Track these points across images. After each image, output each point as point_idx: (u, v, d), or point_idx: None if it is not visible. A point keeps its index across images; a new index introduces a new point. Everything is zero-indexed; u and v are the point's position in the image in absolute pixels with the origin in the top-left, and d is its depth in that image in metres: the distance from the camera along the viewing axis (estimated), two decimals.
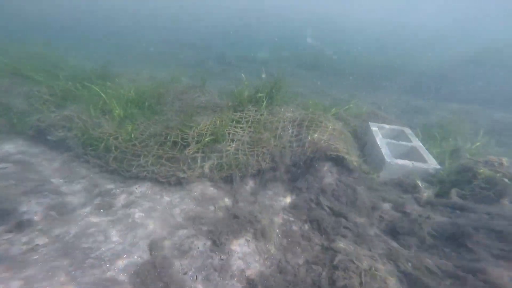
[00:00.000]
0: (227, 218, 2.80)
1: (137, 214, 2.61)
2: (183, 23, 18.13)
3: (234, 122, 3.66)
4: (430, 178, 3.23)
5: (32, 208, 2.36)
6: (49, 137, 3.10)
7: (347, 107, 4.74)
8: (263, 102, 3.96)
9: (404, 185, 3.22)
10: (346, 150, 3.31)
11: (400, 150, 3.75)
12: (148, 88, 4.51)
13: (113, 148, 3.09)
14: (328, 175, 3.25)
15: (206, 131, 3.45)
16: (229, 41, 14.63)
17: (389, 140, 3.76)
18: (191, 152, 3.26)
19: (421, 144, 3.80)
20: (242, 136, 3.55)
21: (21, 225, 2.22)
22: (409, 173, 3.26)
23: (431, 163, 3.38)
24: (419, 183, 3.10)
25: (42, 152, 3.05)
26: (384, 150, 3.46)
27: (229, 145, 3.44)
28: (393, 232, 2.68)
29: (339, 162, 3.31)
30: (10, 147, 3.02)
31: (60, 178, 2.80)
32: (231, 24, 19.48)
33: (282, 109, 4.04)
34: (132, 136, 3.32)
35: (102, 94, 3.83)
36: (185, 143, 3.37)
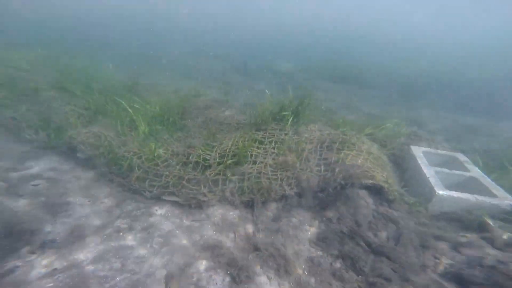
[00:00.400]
0: (248, 250, 2.61)
1: (156, 239, 2.53)
2: (204, 33, 18.82)
3: (257, 142, 3.52)
4: (504, 216, 2.75)
5: (56, 229, 2.39)
6: (78, 155, 3.21)
7: (383, 126, 4.35)
8: (288, 120, 3.78)
9: (465, 223, 2.77)
10: (384, 178, 2.98)
11: (453, 180, 3.28)
12: (172, 102, 4.58)
13: (136, 167, 3.10)
14: (363, 205, 2.93)
15: (228, 151, 3.35)
16: (251, 51, 14.82)
17: (439, 169, 3.32)
18: (212, 174, 3.17)
19: (482, 174, 3.31)
20: (265, 158, 3.38)
21: (44, 246, 2.25)
22: (469, 208, 2.81)
23: (504, 198, 2.89)
24: (489, 221, 2.64)
25: (72, 169, 3.15)
26: (434, 180, 3.04)
27: (251, 167, 3.30)
28: (458, 280, 2.24)
29: (375, 191, 2.98)
30: (45, 162, 3.17)
31: (85, 196, 2.85)
32: (253, 34, 19.85)
33: (309, 128, 3.83)
34: (155, 155, 3.32)
35: (129, 110, 3.94)
36: (206, 164, 3.29)
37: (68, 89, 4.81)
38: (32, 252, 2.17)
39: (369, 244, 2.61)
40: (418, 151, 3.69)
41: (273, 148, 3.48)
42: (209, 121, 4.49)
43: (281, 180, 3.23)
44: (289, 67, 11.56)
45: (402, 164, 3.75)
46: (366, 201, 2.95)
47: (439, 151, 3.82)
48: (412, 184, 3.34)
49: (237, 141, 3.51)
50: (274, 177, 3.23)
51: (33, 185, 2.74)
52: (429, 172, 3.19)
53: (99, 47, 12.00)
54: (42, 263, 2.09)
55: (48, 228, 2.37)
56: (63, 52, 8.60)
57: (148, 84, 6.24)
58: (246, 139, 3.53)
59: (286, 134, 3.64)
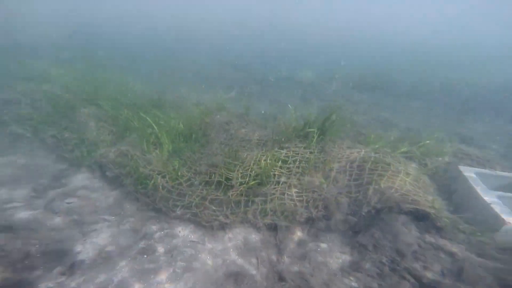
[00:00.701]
0: (272, 279, 2.49)
1: (179, 263, 2.51)
2: (225, 43, 19.34)
3: (280, 161, 3.41)
4: None
5: (86, 249, 2.47)
6: (107, 173, 3.36)
7: (422, 143, 3.99)
8: (313, 137, 3.64)
9: None
10: (429, 202, 2.70)
11: None
12: (194, 118, 4.67)
13: (160, 187, 3.16)
14: (404, 232, 2.67)
15: (250, 171, 3.29)
16: (270, 60, 14.90)
17: (502, 193, 2.93)
18: (234, 195, 3.12)
19: None
20: (288, 178, 3.26)
21: (74, 267, 2.33)
22: None
23: None
24: None
25: (101, 187, 3.30)
26: (499, 207, 2.68)
27: (274, 188, 3.19)
28: None
29: (419, 217, 2.71)
30: (79, 180, 3.37)
31: (113, 215, 2.94)
32: (271, 43, 20.02)
33: (337, 146, 3.65)
34: (178, 174, 3.36)
35: (155, 127, 4.08)
36: (229, 184, 3.26)
37: (100, 105, 5.15)
38: (63, 273, 2.25)
39: (418, 279, 2.33)
40: (470, 172, 3.30)
41: (298, 167, 3.35)
42: (230, 137, 4.49)
43: (307, 202, 3.09)
44: (311, 77, 11.39)
45: (448, 187, 3.38)
46: (407, 227, 2.68)
47: (498, 173, 3.39)
48: (465, 210, 2.98)
49: (259, 160, 3.44)
50: (299, 198, 3.10)
51: (67, 203, 2.90)
52: (490, 197, 2.82)
53: (127, 57, 12.88)
54: (70, 286, 2.16)
55: (78, 248, 2.46)
56: (97, 65, 9.31)
57: (173, 97, 6.47)
58: (268, 158, 3.45)
59: (311, 153, 3.50)
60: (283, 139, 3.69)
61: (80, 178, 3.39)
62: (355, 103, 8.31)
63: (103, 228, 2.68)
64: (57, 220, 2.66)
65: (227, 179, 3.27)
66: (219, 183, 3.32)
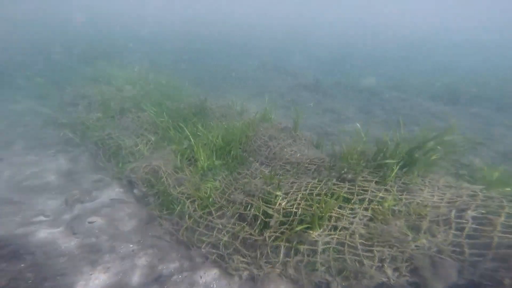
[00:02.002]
0: None
1: None
2: (275, 45, 18.93)
3: (340, 198, 2.62)
4: None
5: (89, 286, 2.16)
6: (135, 191, 3.13)
7: None
8: (392, 170, 2.72)
9: None
10: None
11: None
12: (235, 130, 4.21)
13: (187, 215, 2.73)
14: None
15: (295, 207, 2.59)
16: (323, 64, 13.80)
17: None
18: (272, 238, 2.46)
19: None
20: (351, 223, 2.44)
21: None
22: None
23: None
24: None
25: (128, 205, 3.08)
26: None
27: (330, 234, 2.42)
28: None
29: None
30: (108, 194, 3.23)
31: (132, 242, 2.62)
32: (325, 46, 18.75)
33: (428, 182, 2.66)
34: (210, 200, 2.90)
35: (191, 140, 3.77)
36: (267, 220, 2.62)
37: (145, 109, 5.19)
38: None
39: None
40: None
41: (366, 209, 2.51)
42: (273, 156, 3.87)
43: (381, 260, 2.22)
44: (373, 83, 9.97)
45: None
46: None
47: None
48: None
49: (308, 193, 2.71)
50: (367, 254, 2.26)
51: (89, 222, 2.72)
52: None
53: (178, 60, 13.64)
54: None
55: (82, 282, 2.17)
56: (152, 68, 9.96)
57: (217, 103, 6.24)
58: (322, 192, 2.69)
59: (387, 191, 2.61)
60: (345, 169, 2.87)
61: (110, 193, 3.25)
62: (437, 116, 6.71)
63: (116, 261, 2.36)
64: (73, 244, 2.46)
65: (266, 214, 2.64)
66: (255, 217, 2.72)
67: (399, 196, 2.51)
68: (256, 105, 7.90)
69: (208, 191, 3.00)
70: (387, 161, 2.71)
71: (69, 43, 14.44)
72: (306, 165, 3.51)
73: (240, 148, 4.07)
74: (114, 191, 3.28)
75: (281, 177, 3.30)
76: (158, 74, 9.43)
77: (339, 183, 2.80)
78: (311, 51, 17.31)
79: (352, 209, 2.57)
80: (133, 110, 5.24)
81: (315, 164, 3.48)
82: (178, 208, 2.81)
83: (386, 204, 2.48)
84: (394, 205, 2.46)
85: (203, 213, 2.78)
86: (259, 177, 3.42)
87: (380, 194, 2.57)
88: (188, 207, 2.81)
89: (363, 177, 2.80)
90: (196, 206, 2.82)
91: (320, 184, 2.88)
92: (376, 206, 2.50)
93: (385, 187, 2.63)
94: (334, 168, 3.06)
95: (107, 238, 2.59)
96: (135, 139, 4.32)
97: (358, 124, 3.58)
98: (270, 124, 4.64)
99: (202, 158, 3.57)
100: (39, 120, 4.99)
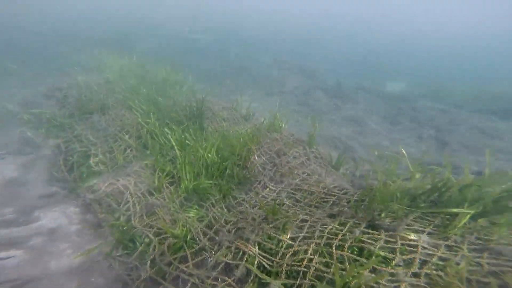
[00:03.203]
0: None
1: None
2: (295, 42, 18.19)
3: (374, 257, 1.88)
4: None
5: None
6: (87, 216, 2.48)
7: None
8: (459, 218, 1.96)
9: None
10: None
11: None
12: (236, 141, 3.53)
13: (149, 260, 2.05)
14: None
15: (304, 264, 1.87)
16: (344, 64, 12.96)
17: None
18: None
19: None
20: None
21: None
22: None
23: None
24: None
25: (76, 233, 2.43)
26: None
27: None
28: None
29: None
30: (54, 216, 2.60)
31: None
32: (346, 45, 17.86)
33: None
34: (188, 239, 2.22)
35: (177, 151, 3.11)
36: (263, 281, 1.92)
37: (133, 107, 4.59)
38: None
39: None
40: None
41: (417, 276, 1.76)
42: (280, 178, 3.16)
43: None
44: (402, 89, 9.10)
45: None
46: None
47: None
48: None
49: (325, 243, 1.99)
50: None
51: (2, 258, 2.08)
52: None
53: (186, 52, 13.10)
54: None
55: None
56: (154, 59, 9.43)
57: (219, 104, 5.61)
58: (346, 243, 1.96)
59: (451, 248, 1.85)
60: (380, 211, 2.14)
61: (57, 214, 2.60)
62: (490, 134, 5.77)
63: None
64: None
65: (264, 266, 1.95)
66: (247, 271, 2.02)
67: (476, 259, 1.75)
68: (265, 107, 7.22)
69: (187, 225, 2.32)
70: (460, 210, 1.94)
71: (69, 27, 14.22)
72: (323, 195, 2.78)
73: (239, 164, 3.38)
74: (65, 212, 2.63)
75: (288, 211, 2.59)
76: (159, 65, 8.92)
77: (371, 231, 2.06)
78: (330, 48, 16.51)
79: (393, 275, 1.82)
80: (118, 107, 4.66)
81: (334, 195, 2.74)
82: (140, 247, 2.14)
83: (452, 270, 1.72)
84: (469, 273, 1.70)
85: (174, 259, 2.10)
86: (258, 206, 2.73)
87: (440, 253, 1.82)
88: (154, 247, 2.13)
89: (408, 224, 2.05)
90: (166, 248, 2.13)
91: (342, 230, 2.15)
92: (435, 272, 1.75)
93: (446, 243, 1.87)
94: (362, 207, 2.31)
95: (22, 284, 1.93)
96: (111, 143, 3.70)
97: (403, 151, 2.81)
98: (279, 135, 3.93)
99: (188, 177, 2.90)
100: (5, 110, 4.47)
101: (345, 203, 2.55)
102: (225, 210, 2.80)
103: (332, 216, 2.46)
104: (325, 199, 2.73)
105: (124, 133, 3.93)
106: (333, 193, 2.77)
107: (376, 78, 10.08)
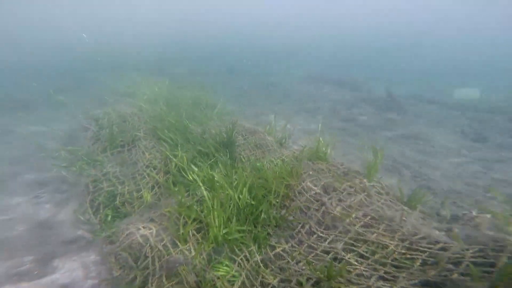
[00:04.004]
0: None
1: None
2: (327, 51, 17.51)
3: None
4: None
5: None
6: (113, 272, 2.23)
7: None
8: None
9: None
10: None
11: None
12: (270, 175, 3.09)
13: None
14: None
15: None
16: (391, 73, 11.84)
17: None
18: None
19: None
20: None
21: None
22: None
23: None
24: None
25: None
26: None
27: None
28: None
29: None
30: (66, 270, 2.39)
31: None
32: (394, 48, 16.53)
33: None
34: None
35: (204, 192, 2.79)
36: None
37: (162, 138, 4.51)
38: None
39: None
40: None
41: None
42: (331, 222, 2.60)
43: None
44: (475, 96, 7.83)
45: None
46: None
47: None
48: None
49: None
50: None
51: None
52: None
53: (217, 70, 13.39)
54: None
55: None
56: (187, 80, 9.71)
57: (249, 128, 5.30)
58: None
59: None
60: None
61: (75, 265, 2.41)
62: None
63: None
64: None
65: None
66: None
67: None
68: (303, 127, 6.71)
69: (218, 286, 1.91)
70: None
71: (100, 54, 15.75)
72: (403, 250, 2.13)
73: (276, 202, 2.92)
74: (85, 263, 2.44)
75: (352, 273, 2.00)
76: (191, 87, 9.15)
77: None
78: (371, 56, 15.49)
79: None
80: (148, 138, 4.63)
81: (424, 252, 2.07)
82: None
83: None
84: None
85: None
86: (304, 262, 2.21)
87: None
88: None
89: None
90: None
91: None
92: None
93: None
94: (491, 275, 1.63)
95: None
96: (139, 180, 3.58)
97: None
98: (326, 165, 3.39)
99: (217, 223, 2.54)
100: (46, 147, 4.76)
101: (451, 266, 1.86)
102: (262, 265, 2.34)
103: (429, 285, 1.80)
104: (409, 256, 2.08)
105: (152, 168, 3.80)
106: (421, 248, 2.10)
107: (435, 86, 8.91)
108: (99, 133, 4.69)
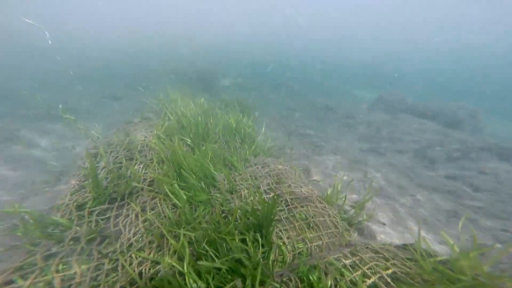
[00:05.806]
0: None
1: None
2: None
3: None
4: None
5: None
6: None
7: None
8: None
9: None
10: None
11: None
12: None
13: None
14: None
15: None
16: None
17: None
18: None
19: None
20: None
21: None
22: None
23: None
24: None
25: None
26: None
27: None
28: None
29: None
30: None
31: None
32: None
33: None
34: None
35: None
36: None
37: (170, 196, 3.28)
38: None
39: None
40: None
41: None
42: None
43: None
44: None
45: None
46: None
47: None
48: None
49: None
50: None
51: None
52: None
53: (264, 88, 12.15)
54: None
55: None
56: (228, 99, 8.71)
57: (298, 180, 3.80)
58: None
59: None
60: None
61: None
62: None
63: None
64: None
65: None
66: None
67: None
68: (379, 181, 4.92)
69: None
70: None
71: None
72: None
73: None
74: None
75: None
76: (231, 105, 8.09)
77: None
78: (472, 77, 12.76)
79: None
80: (152, 190, 3.41)
81: None
82: None
83: None
84: None
85: None
86: None
87: None
88: None
89: None
90: None
91: None
92: None
93: None
94: None
95: None
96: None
97: None
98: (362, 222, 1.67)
99: None
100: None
101: None
102: None
103: None
104: None
105: (136, 255, 2.51)
106: None
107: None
108: (88, 176, 3.65)
